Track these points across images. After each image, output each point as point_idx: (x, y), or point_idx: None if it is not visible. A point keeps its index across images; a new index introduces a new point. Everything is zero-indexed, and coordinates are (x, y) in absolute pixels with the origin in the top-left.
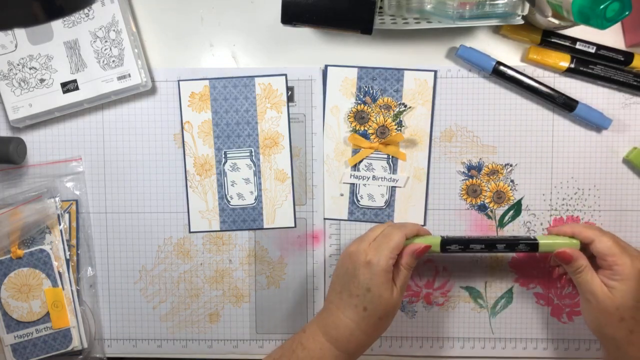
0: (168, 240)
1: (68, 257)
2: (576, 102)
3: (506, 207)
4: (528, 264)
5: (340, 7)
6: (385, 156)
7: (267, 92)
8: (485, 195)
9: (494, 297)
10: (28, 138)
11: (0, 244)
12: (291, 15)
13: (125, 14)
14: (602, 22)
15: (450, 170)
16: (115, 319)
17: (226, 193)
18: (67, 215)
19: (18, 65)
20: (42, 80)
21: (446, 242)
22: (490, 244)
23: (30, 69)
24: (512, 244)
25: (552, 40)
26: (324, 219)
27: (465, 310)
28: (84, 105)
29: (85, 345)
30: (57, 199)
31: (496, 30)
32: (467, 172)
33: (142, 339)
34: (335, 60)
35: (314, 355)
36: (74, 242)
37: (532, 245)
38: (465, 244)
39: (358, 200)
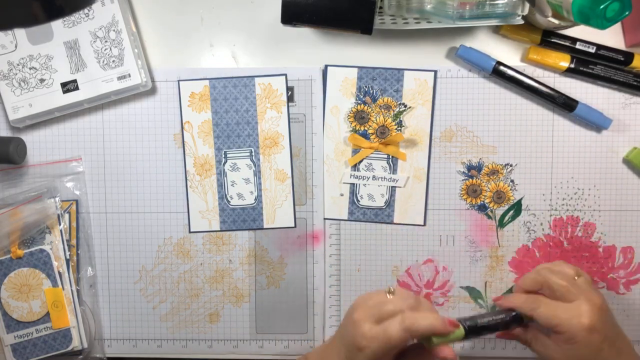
0: (168, 240)
1: (68, 257)
2: (576, 102)
3: (506, 207)
4: (528, 264)
5: (340, 7)
6: (385, 156)
7: (267, 92)
8: (485, 195)
9: None
10: (28, 138)
11: (0, 244)
12: (291, 15)
13: (125, 14)
14: (602, 22)
15: (450, 170)
16: (115, 319)
17: (226, 193)
18: (67, 215)
19: (18, 65)
20: (42, 80)
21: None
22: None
23: (30, 69)
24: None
25: (552, 40)
26: (324, 219)
27: (465, 310)
28: (84, 105)
29: (85, 345)
30: (57, 199)
31: (496, 30)
32: (467, 172)
33: (142, 339)
34: (335, 60)
35: None
36: (74, 242)
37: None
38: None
39: (358, 200)
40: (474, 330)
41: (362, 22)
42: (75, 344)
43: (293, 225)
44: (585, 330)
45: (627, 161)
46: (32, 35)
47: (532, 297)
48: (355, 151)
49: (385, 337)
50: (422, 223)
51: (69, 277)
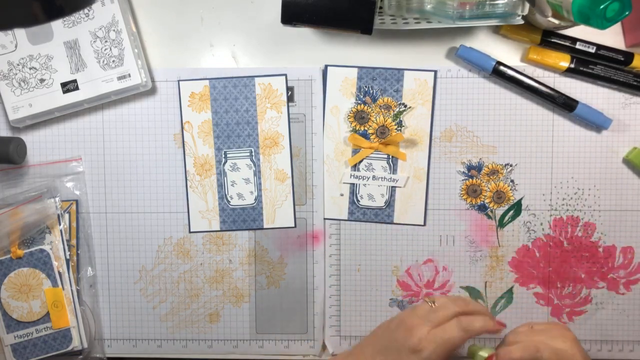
0: (168, 240)
1: (68, 257)
2: (576, 102)
3: (506, 207)
4: (528, 264)
5: (340, 7)
6: (385, 156)
7: (267, 92)
8: (485, 195)
9: (494, 297)
10: (28, 138)
11: (0, 244)
12: (291, 15)
13: (125, 14)
14: (602, 22)
15: (450, 170)
16: (115, 319)
17: (226, 193)
18: (67, 215)
19: (18, 65)
20: (42, 80)
21: None
22: None
23: (30, 69)
24: None
25: (552, 40)
26: (324, 219)
27: None
28: (84, 105)
29: (85, 345)
30: (57, 199)
31: (496, 30)
32: (467, 172)
33: (142, 339)
34: (335, 60)
35: None
36: (74, 242)
37: None
38: None
39: (358, 200)
40: None
41: (362, 22)
42: (75, 344)
43: (293, 225)
44: None
45: (627, 161)
46: (32, 35)
47: (529, 344)
48: (355, 151)
49: (445, 338)
50: (422, 223)
51: (69, 277)
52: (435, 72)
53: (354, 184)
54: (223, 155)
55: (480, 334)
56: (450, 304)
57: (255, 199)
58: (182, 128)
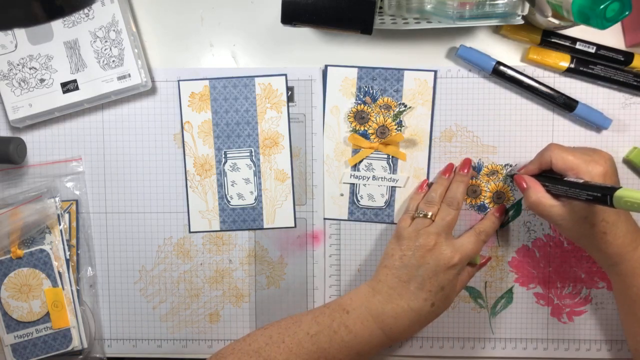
0: (168, 240)
1: (68, 257)
2: (576, 102)
3: (506, 207)
4: (528, 264)
5: (340, 7)
6: (385, 156)
7: (267, 92)
8: (485, 196)
9: (494, 297)
10: (28, 138)
11: (0, 244)
12: (291, 15)
13: (125, 14)
14: (602, 22)
15: None
16: (115, 319)
17: (226, 193)
18: (67, 215)
19: (18, 65)
20: (42, 80)
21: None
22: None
23: (30, 69)
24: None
25: (552, 40)
26: (324, 219)
27: (465, 310)
28: (84, 105)
29: (85, 345)
30: (57, 199)
31: (496, 30)
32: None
33: (142, 339)
34: (335, 60)
35: (362, 341)
36: (74, 242)
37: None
38: None
39: (358, 200)
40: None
41: (362, 22)
42: (75, 344)
43: (293, 225)
44: (600, 175)
45: (627, 161)
46: (32, 35)
47: (542, 150)
48: (355, 151)
49: (475, 249)
50: None
51: (69, 277)
52: (435, 72)
53: (354, 184)
54: (223, 155)
55: (492, 232)
56: (444, 207)
57: (255, 199)
58: (182, 128)
